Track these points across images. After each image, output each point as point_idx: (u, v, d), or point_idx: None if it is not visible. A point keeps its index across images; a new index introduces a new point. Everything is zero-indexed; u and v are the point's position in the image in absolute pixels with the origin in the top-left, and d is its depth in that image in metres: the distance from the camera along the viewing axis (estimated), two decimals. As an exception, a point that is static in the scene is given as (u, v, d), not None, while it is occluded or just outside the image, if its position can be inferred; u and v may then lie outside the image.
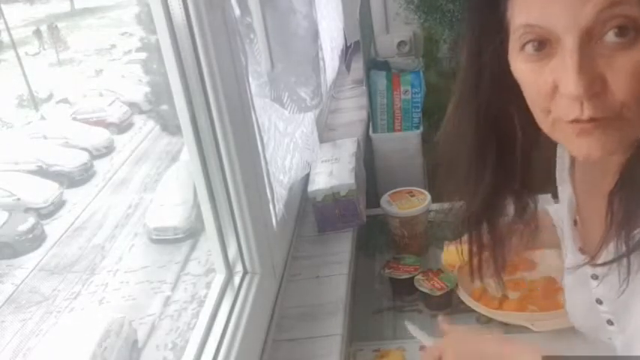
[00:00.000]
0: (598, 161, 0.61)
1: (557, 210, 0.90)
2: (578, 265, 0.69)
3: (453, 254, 1.22)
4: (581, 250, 0.73)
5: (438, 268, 1.28)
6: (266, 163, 1.09)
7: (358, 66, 2.24)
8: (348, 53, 2.15)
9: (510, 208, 0.76)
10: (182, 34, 0.85)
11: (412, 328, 1.03)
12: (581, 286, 0.74)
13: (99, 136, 2.83)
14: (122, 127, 2.96)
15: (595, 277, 0.70)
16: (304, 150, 1.45)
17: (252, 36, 1.03)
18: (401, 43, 2.41)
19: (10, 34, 2.45)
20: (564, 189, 0.78)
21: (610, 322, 0.72)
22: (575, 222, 0.75)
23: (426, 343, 0.99)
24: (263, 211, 1.07)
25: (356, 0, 2.09)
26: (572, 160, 0.77)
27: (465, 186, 0.73)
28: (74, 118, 2.83)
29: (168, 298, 2.38)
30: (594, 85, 0.55)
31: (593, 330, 0.77)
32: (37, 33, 2.82)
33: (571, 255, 0.75)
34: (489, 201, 0.74)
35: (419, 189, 1.43)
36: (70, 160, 2.63)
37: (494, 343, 0.82)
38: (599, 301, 0.72)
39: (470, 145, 0.70)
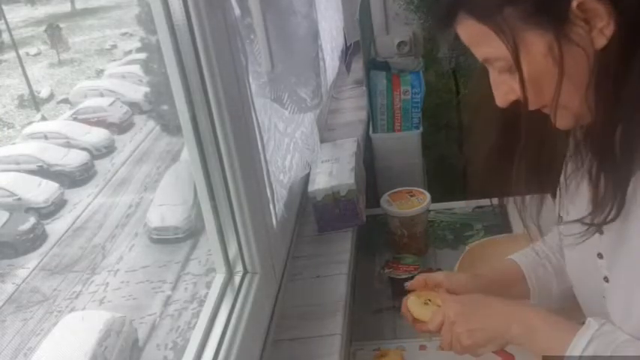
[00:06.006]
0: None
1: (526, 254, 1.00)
2: (586, 221, 0.73)
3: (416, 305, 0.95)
4: (582, 219, 0.76)
5: (437, 267, 1.28)
6: (266, 163, 1.09)
7: (358, 66, 2.25)
8: (347, 53, 2.15)
9: None
10: (182, 35, 0.85)
11: None
12: (584, 242, 0.77)
13: (100, 136, 2.82)
14: (123, 127, 2.96)
15: (601, 231, 0.75)
16: (304, 150, 1.45)
17: (252, 36, 1.03)
18: (401, 44, 2.41)
19: (10, 35, 2.45)
20: None
21: (606, 279, 0.78)
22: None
23: None
24: (263, 211, 1.07)
25: (356, 0, 2.09)
26: None
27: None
28: (75, 118, 2.83)
29: (168, 297, 2.38)
30: None
31: (588, 291, 0.83)
32: (38, 33, 2.82)
33: (570, 223, 0.77)
34: None
35: (419, 189, 1.43)
36: (71, 160, 2.62)
37: (495, 310, 0.85)
38: (600, 256, 0.78)
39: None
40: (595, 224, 0.71)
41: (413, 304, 0.93)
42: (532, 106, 0.71)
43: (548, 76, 0.67)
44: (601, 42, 0.65)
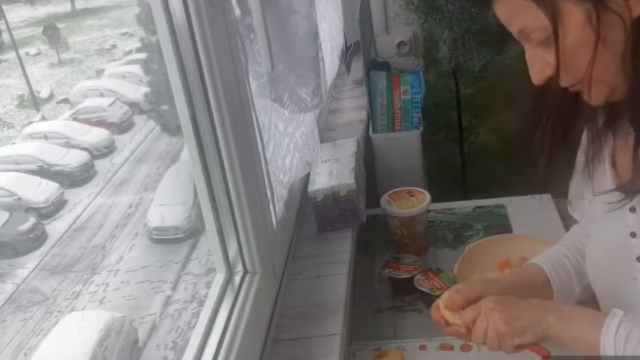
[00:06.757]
0: None
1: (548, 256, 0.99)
2: (625, 188, 0.74)
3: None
4: (620, 186, 0.77)
5: (437, 267, 1.28)
6: (266, 163, 1.09)
7: (358, 66, 2.25)
8: (348, 53, 2.15)
9: None
10: (182, 35, 0.85)
11: None
12: (616, 222, 0.80)
13: (100, 136, 2.82)
14: (123, 127, 2.96)
15: (633, 209, 0.77)
16: (304, 150, 1.45)
17: (252, 36, 1.03)
18: (401, 44, 2.41)
19: (11, 35, 2.45)
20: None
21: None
22: (613, 162, 0.81)
23: None
24: (263, 211, 1.07)
25: (356, 0, 2.09)
26: None
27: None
28: (75, 118, 2.83)
29: (168, 297, 2.38)
30: None
31: (617, 274, 0.83)
32: (38, 33, 2.82)
33: (609, 192, 0.78)
34: None
35: (419, 189, 1.43)
36: (71, 160, 2.62)
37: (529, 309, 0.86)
38: (634, 234, 0.79)
39: None
40: (634, 191, 0.73)
41: (444, 310, 0.93)
42: (567, 79, 0.72)
43: (586, 46, 0.68)
44: (638, 9, 0.66)
